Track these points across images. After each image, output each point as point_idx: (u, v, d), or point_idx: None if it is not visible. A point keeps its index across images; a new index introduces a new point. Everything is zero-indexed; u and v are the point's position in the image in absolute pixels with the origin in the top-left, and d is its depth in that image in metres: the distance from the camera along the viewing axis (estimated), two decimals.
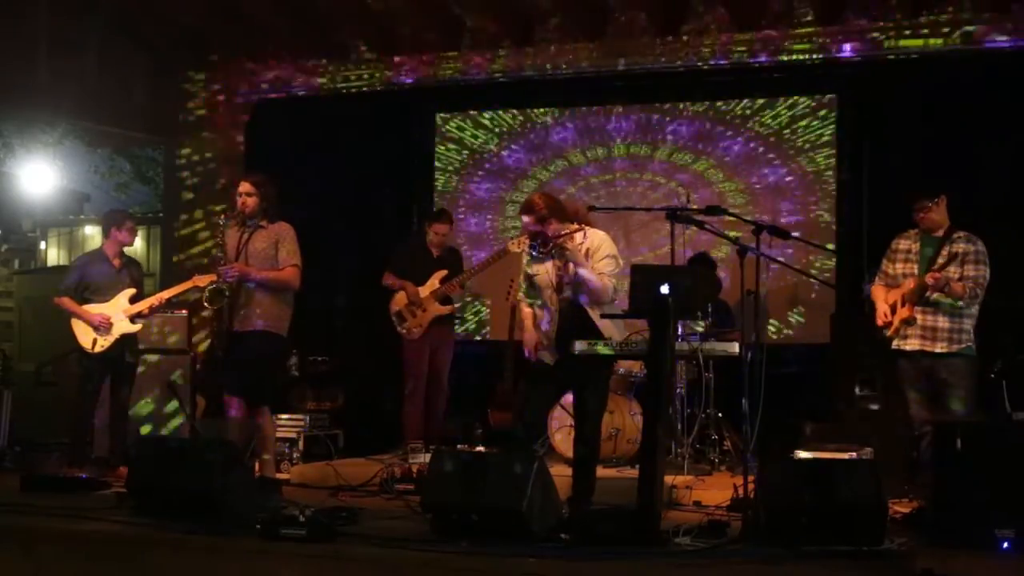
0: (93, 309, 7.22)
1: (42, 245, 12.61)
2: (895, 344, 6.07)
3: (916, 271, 6.06)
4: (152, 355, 8.02)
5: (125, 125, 10.22)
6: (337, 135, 9.56)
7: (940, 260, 5.98)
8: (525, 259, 5.73)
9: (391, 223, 9.43)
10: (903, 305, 6.02)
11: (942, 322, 5.95)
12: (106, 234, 7.50)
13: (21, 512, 5.63)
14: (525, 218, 5.54)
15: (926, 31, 8.03)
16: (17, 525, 5.33)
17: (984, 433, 5.03)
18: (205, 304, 6.49)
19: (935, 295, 5.94)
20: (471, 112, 9.68)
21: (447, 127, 9.76)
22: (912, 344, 6.02)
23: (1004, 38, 7.88)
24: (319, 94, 9.68)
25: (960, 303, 5.90)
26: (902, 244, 6.23)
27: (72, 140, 12.93)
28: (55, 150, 12.93)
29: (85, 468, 7.03)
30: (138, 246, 12.53)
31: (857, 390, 7.16)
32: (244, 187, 6.44)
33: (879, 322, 6.13)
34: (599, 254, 5.51)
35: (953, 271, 5.92)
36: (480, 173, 9.60)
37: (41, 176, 11.13)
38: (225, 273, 6.29)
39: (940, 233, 6.09)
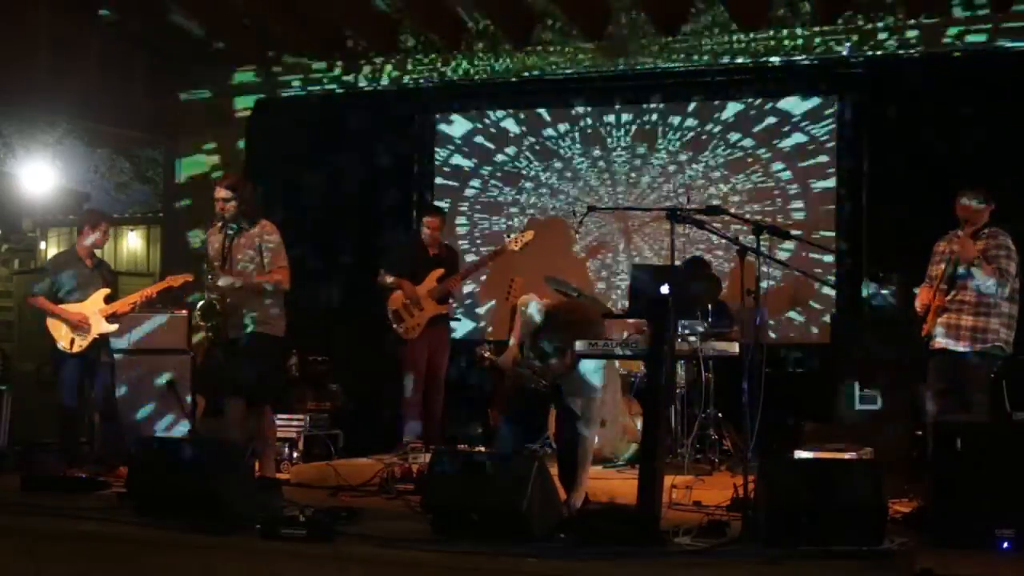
0: (70, 308, 7.22)
1: (42, 245, 12.59)
2: (930, 344, 6.09)
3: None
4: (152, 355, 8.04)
5: (125, 125, 10.23)
6: (337, 135, 9.56)
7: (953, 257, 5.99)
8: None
9: (391, 223, 9.43)
10: (934, 298, 6.03)
11: (966, 320, 5.95)
12: (80, 233, 7.51)
13: (21, 512, 5.63)
14: None
15: (927, 31, 8.04)
16: (17, 525, 5.32)
17: (984, 433, 5.03)
18: (200, 323, 6.46)
19: (966, 266, 5.89)
20: (471, 112, 9.67)
21: (447, 127, 9.76)
22: (939, 343, 6.04)
23: (1005, 38, 7.89)
24: (319, 94, 9.69)
25: (988, 285, 5.85)
26: (940, 246, 6.24)
27: (72, 140, 12.91)
28: (55, 150, 12.91)
29: (85, 468, 7.03)
30: (138, 246, 12.54)
31: (857, 390, 7.16)
32: (220, 192, 6.38)
33: (918, 310, 6.15)
34: None
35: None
36: (480, 173, 9.60)
37: (41, 176, 11.10)
38: (216, 284, 6.27)
39: (971, 232, 6.07)
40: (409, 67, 9.39)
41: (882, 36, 8.18)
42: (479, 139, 9.63)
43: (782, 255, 8.12)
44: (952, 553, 4.49)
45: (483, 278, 9.24)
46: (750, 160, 8.86)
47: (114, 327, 7.31)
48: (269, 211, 6.63)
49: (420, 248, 8.02)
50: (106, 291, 7.35)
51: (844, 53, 8.29)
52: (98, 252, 7.63)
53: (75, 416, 7.34)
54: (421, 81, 9.45)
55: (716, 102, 8.99)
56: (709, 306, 7.35)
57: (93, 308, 7.26)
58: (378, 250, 8.58)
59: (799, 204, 8.73)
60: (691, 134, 9.03)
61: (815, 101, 8.75)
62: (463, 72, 9.31)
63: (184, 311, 8.25)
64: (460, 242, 9.34)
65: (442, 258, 8.03)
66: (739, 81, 8.84)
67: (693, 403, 7.37)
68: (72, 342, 7.19)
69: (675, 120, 9.09)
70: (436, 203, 9.36)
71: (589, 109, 9.33)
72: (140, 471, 5.71)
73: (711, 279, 7.87)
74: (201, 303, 6.39)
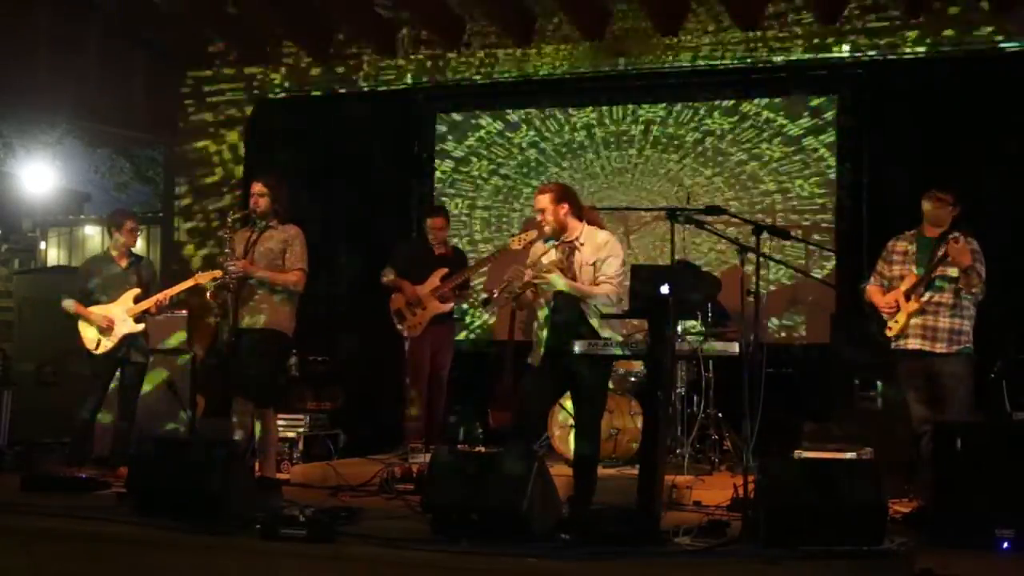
0: (98, 310, 7.22)
1: (42, 245, 12.59)
2: (896, 344, 6.06)
3: (915, 271, 6.05)
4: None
5: (125, 125, 10.23)
6: (337, 135, 9.56)
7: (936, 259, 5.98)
8: (535, 249, 5.81)
9: (391, 223, 9.43)
10: (907, 300, 6.01)
11: (943, 322, 5.94)
12: (110, 235, 7.54)
13: (21, 512, 5.63)
14: (539, 196, 5.75)
15: (926, 31, 8.03)
16: (17, 525, 5.32)
17: (984, 433, 5.03)
18: (209, 298, 6.53)
19: (945, 270, 5.88)
20: (471, 112, 9.67)
21: (447, 127, 9.75)
22: (912, 344, 6.01)
23: (1004, 38, 7.89)
24: (319, 94, 9.69)
25: (967, 297, 5.87)
26: (899, 246, 6.21)
27: (72, 140, 12.91)
28: (55, 150, 12.91)
29: (85, 468, 7.02)
30: (138, 246, 12.52)
31: (857, 390, 7.16)
32: (257, 187, 6.52)
33: (886, 310, 6.11)
34: (607, 265, 5.60)
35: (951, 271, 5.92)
36: (480, 173, 9.60)
37: (41, 176, 11.10)
38: (229, 269, 6.34)
39: (936, 233, 6.07)
40: (409, 67, 9.38)
41: (882, 36, 8.17)
42: (479, 139, 9.63)
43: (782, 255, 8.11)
44: (952, 553, 4.50)
45: (484, 278, 9.24)
46: (750, 160, 8.85)
47: (141, 327, 7.28)
48: None
49: (425, 248, 8.03)
50: (136, 291, 7.32)
51: (844, 53, 8.29)
52: (135, 249, 7.62)
53: (89, 416, 7.31)
54: (420, 81, 9.44)
55: (716, 102, 8.98)
56: (708, 306, 7.36)
57: (121, 309, 7.24)
58: (378, 250, 8.56)
59: (798, 203, 8.72)
60: (691, 134, 9.02)
61: (815, 101, 8.74)
62: (463, 72, 9.30)
63: (184, 311, 8.25)
64: (460, 242, 9.34)
65: (448, 258, 8.03)
66: (739, 81, 8.84)
67: (693, 403, 7.37)
68: (98, 343, 7.20)
69: (675, 120, 9.08)
70: (435, 204, 9.37)
71: (589, 109, 9.32)
72: (140, 471, 5.71)
73: (712, 278, 7.86)
74: (217, 281, 6.48)
